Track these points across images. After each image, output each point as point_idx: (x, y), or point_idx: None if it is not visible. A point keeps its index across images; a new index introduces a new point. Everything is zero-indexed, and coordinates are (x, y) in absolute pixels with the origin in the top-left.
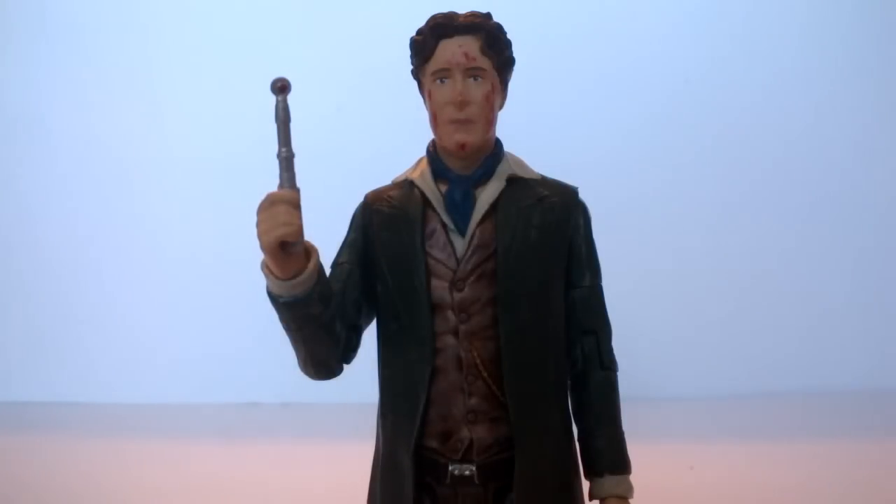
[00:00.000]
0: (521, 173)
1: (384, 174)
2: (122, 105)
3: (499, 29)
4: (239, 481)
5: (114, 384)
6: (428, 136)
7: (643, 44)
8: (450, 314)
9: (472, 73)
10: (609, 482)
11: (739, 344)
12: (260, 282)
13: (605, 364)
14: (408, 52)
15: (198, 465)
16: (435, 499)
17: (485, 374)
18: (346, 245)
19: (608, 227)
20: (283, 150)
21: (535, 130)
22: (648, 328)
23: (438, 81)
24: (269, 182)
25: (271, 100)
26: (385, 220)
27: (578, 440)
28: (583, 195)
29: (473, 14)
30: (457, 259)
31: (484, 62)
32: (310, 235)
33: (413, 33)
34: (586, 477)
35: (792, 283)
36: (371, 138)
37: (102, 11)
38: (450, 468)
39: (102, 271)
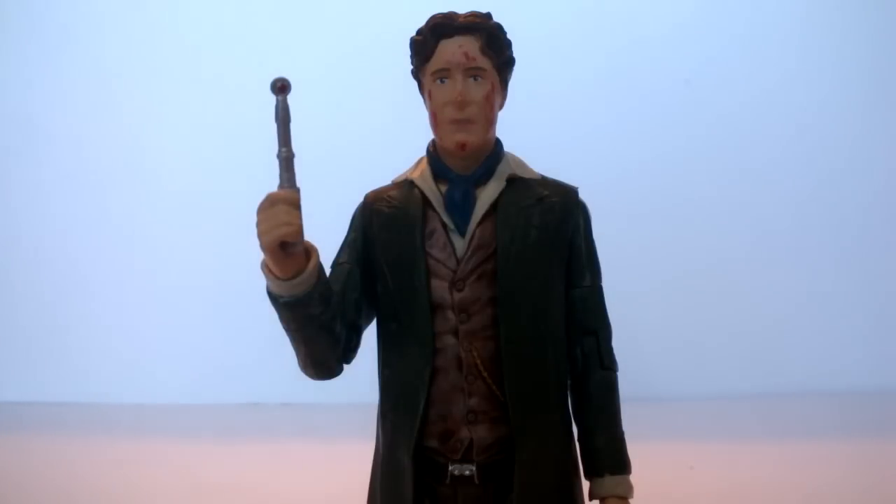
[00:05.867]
0: (521, 173)
1: (384, 174)
2: (120, 105)
3: (499, 29)
4: (239, 481)
5: (113, 384)
6: (428, 136)
7: (644, 45)
8: (450, 314)
9: (472, 73)
10: (609, 482)
11: (739, 344)
12: (260, 282)
13: (606, 364)
14: (408, 52)
15: (198, 465)
16: (435, 499)
17: (485, 374)
18: (346, 245)
19: (608, 227)
20: (283, 149)
21: (535, 130)
22: (649, 328)
23: (438, 81)
24: (269, 182)
25: (271, 100)
26: (385, 220)
27: (578, 440)
28: (583, 195)
29: (473, 14)
30: (457, 259)
31: (484, 62)
32: (310, 235)
33: (413, 33)
34: (586, 477)
35: (792, 282)
36: (371, 138)
37: (99, 10)
38: (450, 468)
39: (102, 271)
